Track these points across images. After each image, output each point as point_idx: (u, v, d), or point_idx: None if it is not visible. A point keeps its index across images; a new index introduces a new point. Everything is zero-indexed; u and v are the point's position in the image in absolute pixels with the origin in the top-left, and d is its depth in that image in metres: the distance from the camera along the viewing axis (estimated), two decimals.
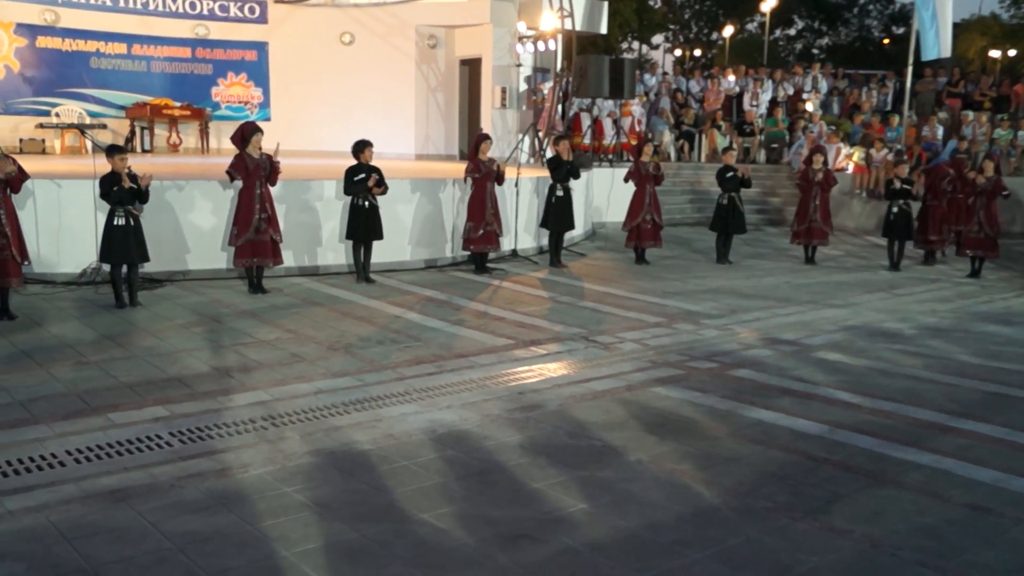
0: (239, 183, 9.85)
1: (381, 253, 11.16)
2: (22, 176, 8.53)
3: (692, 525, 4.53)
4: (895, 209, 13.39)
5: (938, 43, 16.75)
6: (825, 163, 13.93)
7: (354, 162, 10.71)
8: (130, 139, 16.92)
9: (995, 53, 35.05)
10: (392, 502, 4.69)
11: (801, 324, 9.37)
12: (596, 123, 18.35)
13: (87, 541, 4.14)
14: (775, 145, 20.43)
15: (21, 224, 8.61)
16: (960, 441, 5.89)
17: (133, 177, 8.90)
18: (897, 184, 13.44)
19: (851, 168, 18.45)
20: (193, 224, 10.55)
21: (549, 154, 14.62)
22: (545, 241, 13.25)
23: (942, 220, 13.89)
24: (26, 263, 8.66)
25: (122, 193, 8.81)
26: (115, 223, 8.90)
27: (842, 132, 19.22)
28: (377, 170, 10.66)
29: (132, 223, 8.97)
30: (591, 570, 4.06)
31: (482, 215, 11.61)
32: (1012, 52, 34.98)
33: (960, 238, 13.66)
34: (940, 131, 19.25)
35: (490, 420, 6.01)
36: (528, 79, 18.47)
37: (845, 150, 18.55)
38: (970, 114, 19.48)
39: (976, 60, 34.67)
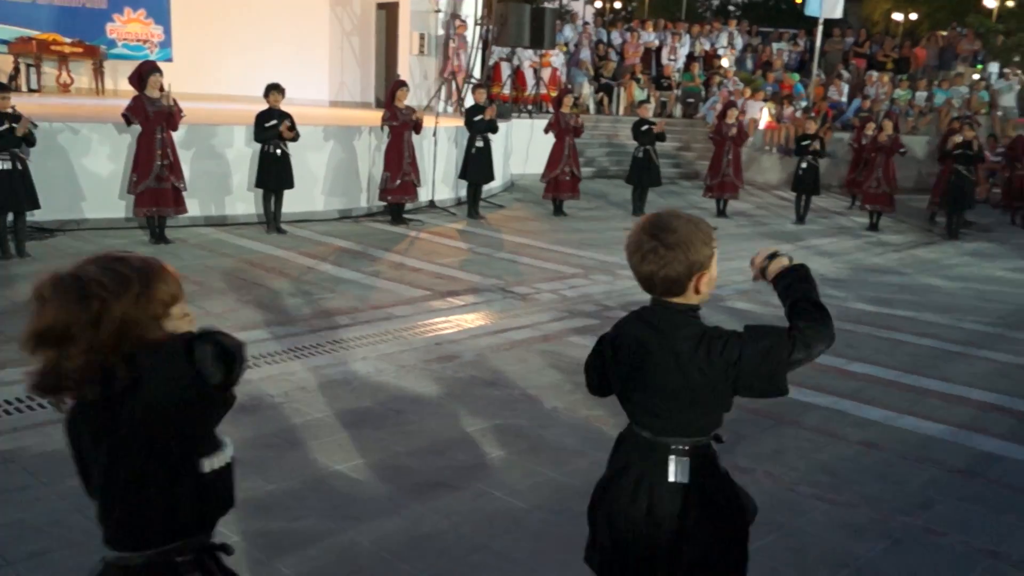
0: (137, 127, 9.42)
1: (293, 203, 10.91)
2: None
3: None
4: (804, 164, 13.69)
5: (822, 2, 16.99)
6: (738, 118, 14.14)
7: (265, 106, 10.44)
8: (14, 77, 15.90)
9: (898, 16, 35.91)
10: (305, 455, 4.66)
11: None
12: (517, 73, 18.24)
13: None
14: (691, 100, 20.63)
15: None
16: (855, 384, 6.20)
17: (16, 118, 8.37)
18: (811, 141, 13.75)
19: (763, 124, 18.78)
20: (88, 170, 10.03)
21: (469, 103, 14.49)
22: (463, 192, 13.17)
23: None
24: None
25: (7, 136, 8.32)
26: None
27: (754, 88, 19.49)
28: (288, 116, 10.40)
29: (19, 167, 8.47)
30: (507, 514, 4.11)
31: (399, 165, 11.46)
32: (913, 15, 35.85)
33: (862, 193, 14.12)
34: (846, 89, 19.72)
35: (406, 371, 6.00)
36: (447, 25, 18.18)
37: (763, 109, 18.81)
38: (874, 74, 20.00)
39: (880, 22, 35.56)
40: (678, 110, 20.65)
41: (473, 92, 13.00)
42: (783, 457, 4.83)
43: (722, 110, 14.46)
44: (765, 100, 19.04)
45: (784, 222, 13.78)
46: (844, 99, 19.55)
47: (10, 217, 8.64)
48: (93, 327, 1.79)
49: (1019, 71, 19.57)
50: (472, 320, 7.35)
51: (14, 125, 8.36)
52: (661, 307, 2.37)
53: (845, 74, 20.40)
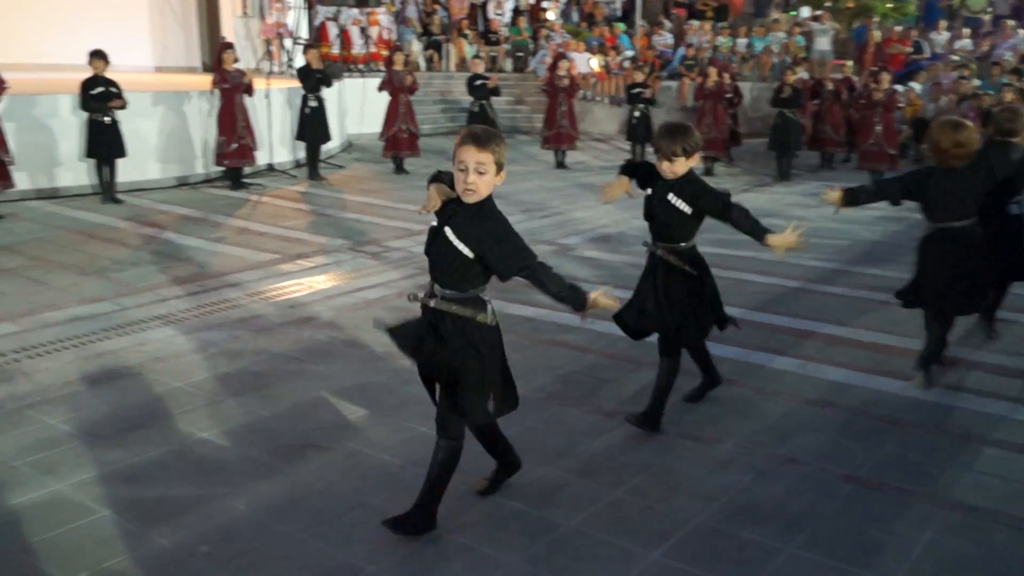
0: None
1: (127, 171, 10.53)
2: None
3: None
4: (636, 113, 14.08)
5: None
6: (569, 70, 14.38)
7: (90, 73, 9.97)
8: None
9: None
10: (169, 425, 4.57)
11: (558, 225, 9.78)
12: (343, 32, 17.92)
13: None
14: (520, 54, 20.78)
15: None
16: None
17: None
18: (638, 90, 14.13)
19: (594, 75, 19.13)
20: None
21: (299, 64, 14.18)
22: (302, 154, 12.92)
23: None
24: None
25: None
26: None
27: (580, 40, 19.82)
28: (114, 83, 9.99)
29: None
30: (379, 470, 4.16)
31: (234, 128, 11.15)
32: None
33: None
34: (669, 39, 20.30)
35: (262, 335, 5.93)
36: None
37: (592, 60, 19.14)
38: (695, 23, 20.63)
39: None
40: (508, 64, 20.78)
41: (305, 53, 12.73)
42: (645, 399, 4.98)
43: (553, 62, 14.68)
44: (592, 53, 19.41)
45: None
46: (670, 48, 20.08)
47: None
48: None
49: (829, 15, 20.49)
50: (324, 281, 7.30)
51: None
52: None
53: (667, 23, 20.97)
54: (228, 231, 9.03)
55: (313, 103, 12.25)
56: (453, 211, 3.47)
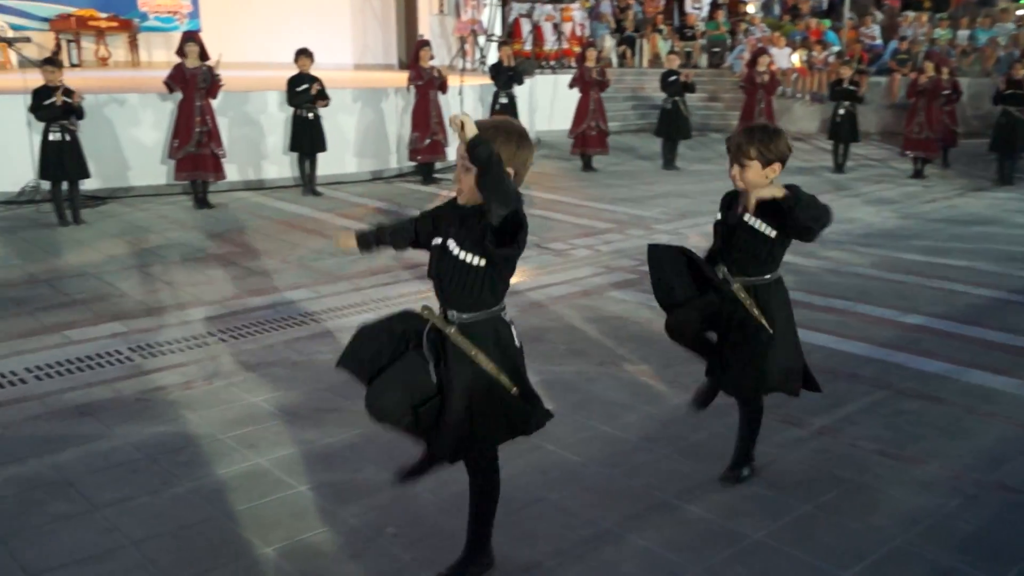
0: (179, 95, 9.65)
1: (326, 165, 11.01)
2: None
3: (656, 422, 4.63)
4: (840, 111, 13.41)
5: None
6: (769, 66, 13.88)
7: (296, 71, 10.50)
8: (56, 52, 16.18)
9: None
10: (360, 409, 4.65)
11: None
12: (536, 29, 18.07)
13: (58, 455, 4.14)
14: (717, 49, 20.31)
15: None
16: (910, 335, 6.05)
17: (68, 92, 8.61)
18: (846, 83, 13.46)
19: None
20: (134, 139, 10.30)
21: (491, 61, 14.44)
22: None
23: None
24: None
25: (53, 108, 8.54)
26: (50, 139, 8.68)
27: (784, 33, 19.14)
28: (318, 80, 10.48)
29: (68, 138, 8.71)
30: (562, 467, 4.14)
31: (427, 124, 11.45)
32: None
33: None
34: (878, 31, 19.25)
35: None
36: None
37: (794, 55, 18.44)
38: (909, 14, 19.44)
39: None
40: (703, 60, 20.35)
41: (499, 49, 12.94)
42: (840, 411, 4.74)
43: (752, 57, 14.22)
44: (793, 48, 18.69)
45: (821, 171, 13.56)
46: (879, 41, 19.04)
47: (64, 186, 8.86)
48: None
49: None
50: None
51: (67, 100, 8.56)
52: None
53: (878, 15, 19.86)
54: None
55: (504, 99, 12.43)
56: (458, 219, 2.98)
